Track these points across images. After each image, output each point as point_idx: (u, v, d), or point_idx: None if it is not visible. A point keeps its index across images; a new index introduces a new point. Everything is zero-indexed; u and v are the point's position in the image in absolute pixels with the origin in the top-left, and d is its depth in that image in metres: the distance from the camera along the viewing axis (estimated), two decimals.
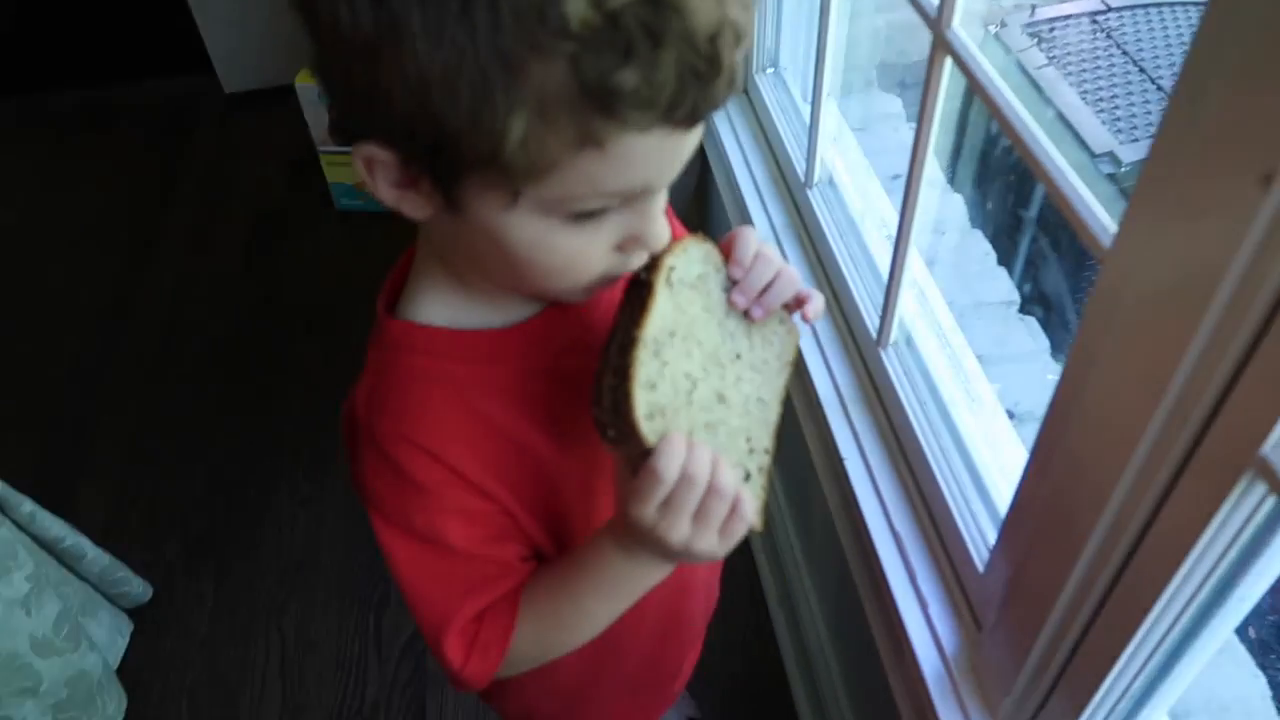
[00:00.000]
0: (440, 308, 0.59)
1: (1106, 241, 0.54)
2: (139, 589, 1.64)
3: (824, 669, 1.32)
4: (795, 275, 0.61)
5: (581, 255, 0.51)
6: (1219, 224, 0.42)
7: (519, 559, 0.65)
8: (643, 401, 0.51)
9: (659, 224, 0.52)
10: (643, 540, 0.56)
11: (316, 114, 2.31)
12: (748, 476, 0.57)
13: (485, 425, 0.59)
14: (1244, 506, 0.47)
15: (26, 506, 1.35)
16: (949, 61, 0.77)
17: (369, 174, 0.49)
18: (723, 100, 0.46)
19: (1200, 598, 0.54)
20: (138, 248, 2.51)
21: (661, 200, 0.53)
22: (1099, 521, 0.57)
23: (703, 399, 0.55)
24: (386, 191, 0.49)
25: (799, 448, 1.18)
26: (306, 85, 2.27)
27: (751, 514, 0.55)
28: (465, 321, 0.59)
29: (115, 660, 1.57)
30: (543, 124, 0.42)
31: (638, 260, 0.54)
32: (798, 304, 0.61)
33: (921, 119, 0.83)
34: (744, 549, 1.67)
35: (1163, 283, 0.48)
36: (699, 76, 0.43)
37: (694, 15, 0.41)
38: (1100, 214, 0.56)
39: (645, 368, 0.52)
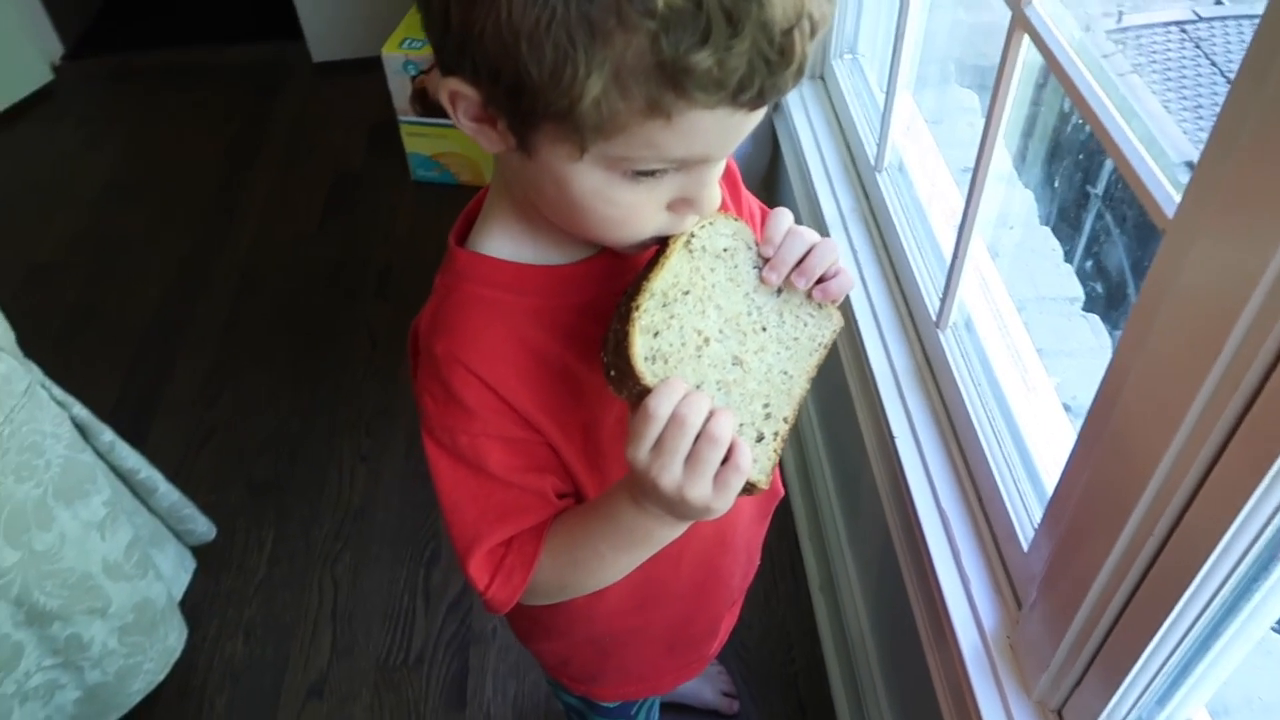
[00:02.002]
0: (505, 242, 0.62)
1: (1170, 211, 0.54)
2: (204, 528, 1.71)
3: (861, 652, 1.33)
4: (833, 246, 0.62)
5: (637, 210, 0.54)
6: (1271, 209, 0.43)
7: (555, 493, 0.67)
8: (642, 344, 0.54)
9: (711, 190, 0.55)
10: (642, 486, 0.56)
11: (400, 83, 2.37)
12: (760, 438, 0.58)
13: (535, 356, 0.62)
14: (1278, 490, 0.47)
15: (107, 436, 1.42)
16: (1026, 39, 0.77)
17: (452, 106, 0.52)
18: (790, 87, 0.48)
19: (1234, 580, 0.54)
20: (220, 203, 2.61)
21: (718, 169, 0.55)
22: (1139, 501, 0.57)
23: (715, 357, 0.57)
24: (466, 124, 0.53)
25: (850, 427, 1.19)
26: (393, 55, 2.33)
27: (748, 466, 0.55)
28: (526, 256, 0.62)
29: (178, 594, 1.64)
30: (616, 90, 0.45)
31: (688, 222, 0.57)
32: (833, 277, 0.62)
33: (994, 98, 0.83)
34: (788, 531, 1.68)
35: (1216, 259, 0.48)
36: (769, 64, 0.46)
37: (773, 7, 0.44)
38: (1164, 184, 0.56)
39: (650, 315, 0.55)
